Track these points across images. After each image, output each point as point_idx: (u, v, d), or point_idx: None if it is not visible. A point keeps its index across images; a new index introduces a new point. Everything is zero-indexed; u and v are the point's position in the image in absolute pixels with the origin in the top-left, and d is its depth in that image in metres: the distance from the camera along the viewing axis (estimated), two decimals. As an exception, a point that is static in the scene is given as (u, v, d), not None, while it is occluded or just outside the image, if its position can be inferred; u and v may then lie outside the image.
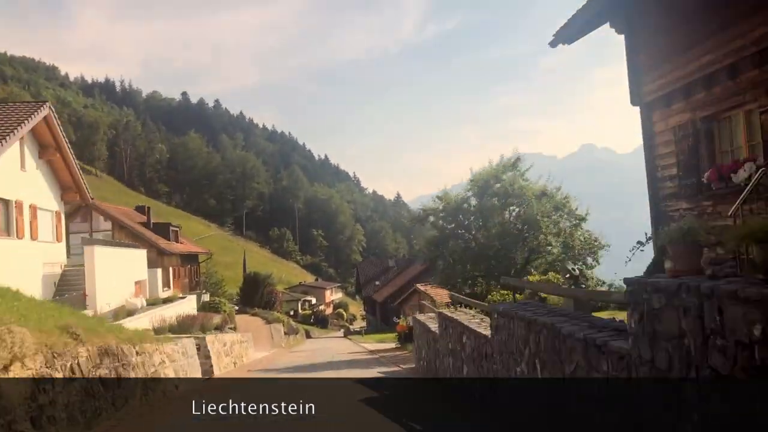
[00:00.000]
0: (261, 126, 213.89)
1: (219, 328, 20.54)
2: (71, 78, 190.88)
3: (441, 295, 27.42)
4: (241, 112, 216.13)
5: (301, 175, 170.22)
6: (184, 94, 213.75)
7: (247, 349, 21.84)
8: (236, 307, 44.87)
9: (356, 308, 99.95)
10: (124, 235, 32.53)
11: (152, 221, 37.35)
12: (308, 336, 53.92)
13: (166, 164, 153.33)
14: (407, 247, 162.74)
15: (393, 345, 28.39)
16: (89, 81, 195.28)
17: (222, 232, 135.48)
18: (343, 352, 26.09)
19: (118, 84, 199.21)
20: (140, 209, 39.72)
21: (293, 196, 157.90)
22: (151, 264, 32.35)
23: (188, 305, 23.51)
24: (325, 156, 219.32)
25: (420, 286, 32.34)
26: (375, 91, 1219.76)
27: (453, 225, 26.99)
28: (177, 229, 38.26)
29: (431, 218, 27.99)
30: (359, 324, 74.92)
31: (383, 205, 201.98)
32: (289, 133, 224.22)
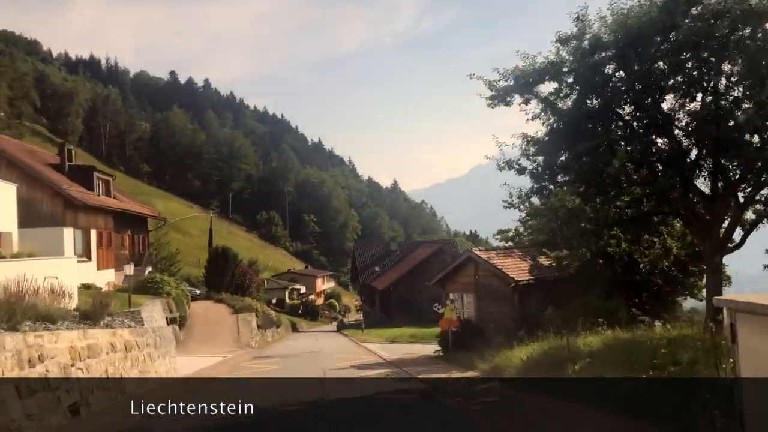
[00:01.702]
0: (252, 108, 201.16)
1: (85, 319, 9.88)
2: (54, 54, 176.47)
3: (516, 268, 16.54)
4: (231, 93, 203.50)
5: (292, 156, 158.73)
6: (172, 73, 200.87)
7: (153, 361, 11.23)
8: (198, 291, 34.26)
9: (350, 299, 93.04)
10: (17, 177, 21.91)
11: (71, 164, 26.42)
12: (294, 329, 44.83)
13: (148, 142, 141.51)
14: (404, 236, 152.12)
15: (430, 351, 17.55)
16: (73, 58, 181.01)
17: (206, 214, 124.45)
18: (343, 365, 15.53)
19: (103, 62, 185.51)
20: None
21: (283, 179, 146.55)
22: (55, 220, 22.11)
23: (34, 270, 12.41)
24: (319, 139, 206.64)
25: (480, 253, 20.11)
26: (370, 84, 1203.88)
27: (592, 106, 12.11)
28: (108, 178, 27.39)
29: (536, 91, 12.72)
30: (354, 316, 69.60)
31: (379, 192, 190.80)
32: (282, 115, 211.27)
